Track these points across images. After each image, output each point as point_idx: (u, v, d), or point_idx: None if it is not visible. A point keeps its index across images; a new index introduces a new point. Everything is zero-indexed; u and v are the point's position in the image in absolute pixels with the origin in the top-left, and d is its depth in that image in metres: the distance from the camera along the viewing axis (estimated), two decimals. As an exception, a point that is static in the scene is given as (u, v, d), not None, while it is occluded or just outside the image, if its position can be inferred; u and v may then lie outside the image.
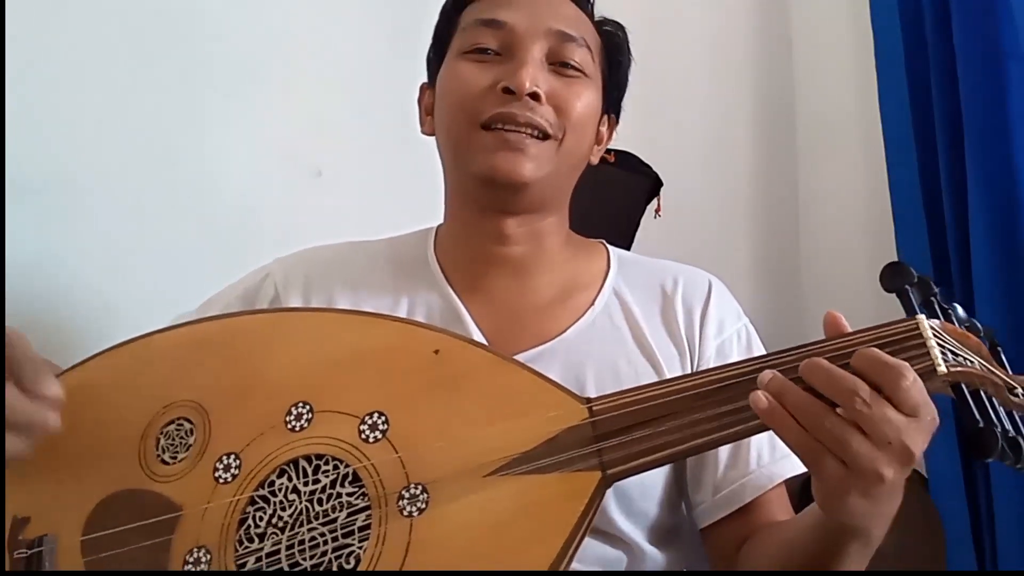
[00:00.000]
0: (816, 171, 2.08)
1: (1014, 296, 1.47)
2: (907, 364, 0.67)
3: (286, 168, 1.72)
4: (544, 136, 0.90)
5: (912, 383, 0.66)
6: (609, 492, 0.86)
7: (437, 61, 0.98)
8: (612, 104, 1.01)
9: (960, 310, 0.77)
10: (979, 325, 0.78)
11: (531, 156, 0.89)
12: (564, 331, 0.94)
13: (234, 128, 1.66)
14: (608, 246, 1.05)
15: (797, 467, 0.92)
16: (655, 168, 1.65)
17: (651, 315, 0.97)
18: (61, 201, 1.53)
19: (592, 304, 0.97)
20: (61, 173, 1.53)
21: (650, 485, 0.91)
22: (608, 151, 1.45)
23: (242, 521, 0.74)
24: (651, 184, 1.64)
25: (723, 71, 2.10)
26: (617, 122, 1.04)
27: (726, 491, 0.92)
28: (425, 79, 1.02)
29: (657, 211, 1.62)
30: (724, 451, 0.93)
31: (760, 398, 0.68)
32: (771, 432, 0.86)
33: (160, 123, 1.61)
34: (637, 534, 0.90)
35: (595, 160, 1.00)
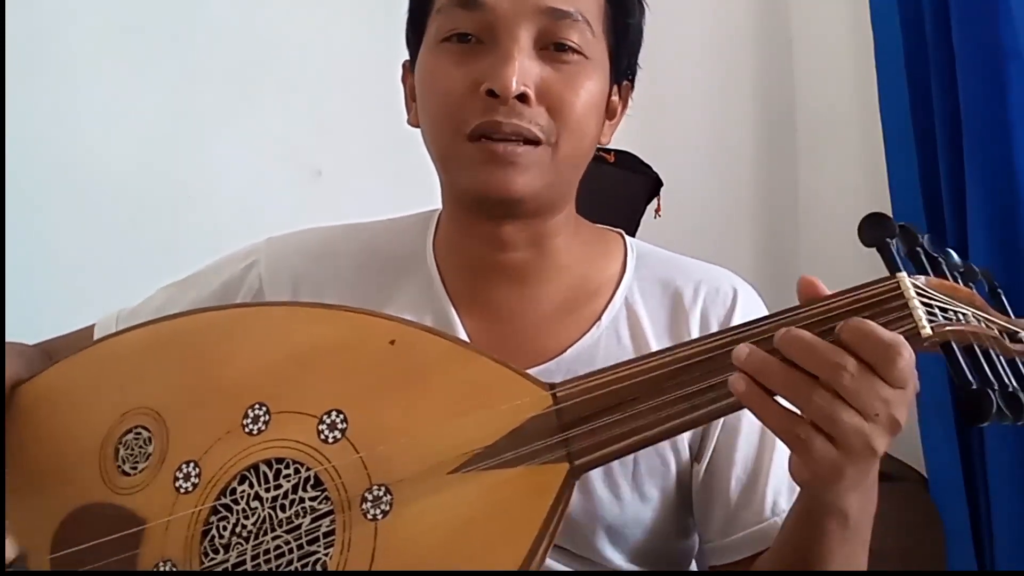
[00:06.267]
0: (816, 171, 2.08)
1: (1013, 296, 1.46)
2: (902, 339, 0.61)
3: (286, 168, 1.72)
4: (536, 142, 0.80)
5: (908, 360, 0.61)
6: (597, 524, 0.83)
7: (415, 41, 0.87)
8: (623, 73, 0.89)
9: (954, 255, 0.71)
10: (976, 269, 0.72)
11: (523, 168, 0.79)
12: (564, 350, 0.86)
13: (234, 128, 1.66)
14: (627, 239, 0.96)
15: None
16: (655, 168, 1.65)
17: (662, 331, 0.88)
18: (61, 201, 1.53)
19: (599, 318, 0.88)
20: (61, 173, 1.53)
21: (643, 519, 0.86)
22: (608, 151, 1.45)
23: (205, 532, 0.72)
24: (651, 184, 1.64)
25: (723, 71, 2.10)
26: (633, 86, 0.92)
27: (736, 536, 0.85)
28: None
29: (657, 211, 1.61)
30: (735, 487, 0.85)
31: (738, 381, 0.63)
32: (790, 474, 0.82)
33: (160, 123, 1.61)
34: (627, 563, 0.86)
35: (606, 140, 0.89)
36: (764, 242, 2.13)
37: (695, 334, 0.88)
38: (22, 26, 1.44)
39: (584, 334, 0.87)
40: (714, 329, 0.87)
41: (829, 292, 0.68)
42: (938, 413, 1.60)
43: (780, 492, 0.85)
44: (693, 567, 0.95)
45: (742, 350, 0.64)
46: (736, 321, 0.88)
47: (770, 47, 2.12)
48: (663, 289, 0.91)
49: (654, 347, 0.87)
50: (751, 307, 0.91)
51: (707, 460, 0.86)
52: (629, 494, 0.84)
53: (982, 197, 1.51)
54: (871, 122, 1.77)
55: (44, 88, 1.50)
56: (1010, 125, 1.46)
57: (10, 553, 0.70)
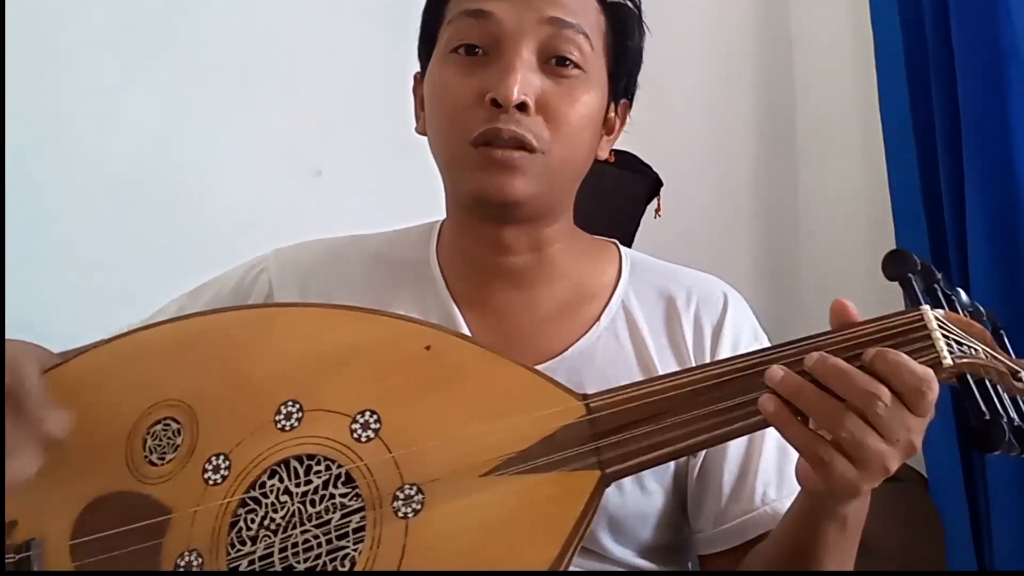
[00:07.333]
0: (816, 171, 2.08)
1: (1012, 296, 1.47)
2: (933, 373, 0.66)
3: (286, 168, 1.73)
4: (531, 150, 0.84)
5: (936, 393, 0.66)
6: (599, 516, 0.84)
7: (426, 52, 0.92)
8: (622, 91, 0.94)
9: (963, 295, 0.76)
10: (982, 309, 0.77)
11: (519, 173, 0.84)
12: (566, 349, 0.89)
13: (234, 128, 1.67)
14: (621, 248, 1.00)
15: None
16: (655, 168, 1.65)
17: (658, 333, 0.92)
18: (60, 201, 1.53)
19: (598, 319, 0.92)
20: (61, 172, 1.53)
21: (644, 511, 0.88)
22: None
23: (233, 523, 0.72)
24: (651, 184, 1.64)
25: (723, 71, 2.10)
26: (631, 105, 0.97)
27: (727, 526, 0.88)
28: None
29: (657, 211, 1.62)
30: (727, 480, 0.88)
31: (769, 402, 0.67)
32: (780, 465, 0.85)
33: (160, 123, 1.61)
34: (629, 555, 0.88)
35: (603, 154, 0.94)
36: (764, 242, 2.13)
37: (689, 337, 0.92)
38: (22, 26, 1.44)
39: (584, 334, 0.91)
40: (707, 332, 0.92)
41: (841, 300, 0.71)
42: (938, 414, 1.60)
43: (769, 483, 0.88)
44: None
45: (776, 372, 0.68)
46: (728, 325, 0.93)
47: (770, 48, 2.12)
48: (657, 294, 0.95)
49: (651, 347, 0.91)
50: (741, 313, 0.95)
51: (702, 455, 0.89)
52: (631, 487, 0.87)
53: (982, 197, 1.51)
54: (871, 122, 1.77)
55: (43, 88, 1.51)
56: (1010, 125, 1.47)
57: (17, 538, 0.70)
